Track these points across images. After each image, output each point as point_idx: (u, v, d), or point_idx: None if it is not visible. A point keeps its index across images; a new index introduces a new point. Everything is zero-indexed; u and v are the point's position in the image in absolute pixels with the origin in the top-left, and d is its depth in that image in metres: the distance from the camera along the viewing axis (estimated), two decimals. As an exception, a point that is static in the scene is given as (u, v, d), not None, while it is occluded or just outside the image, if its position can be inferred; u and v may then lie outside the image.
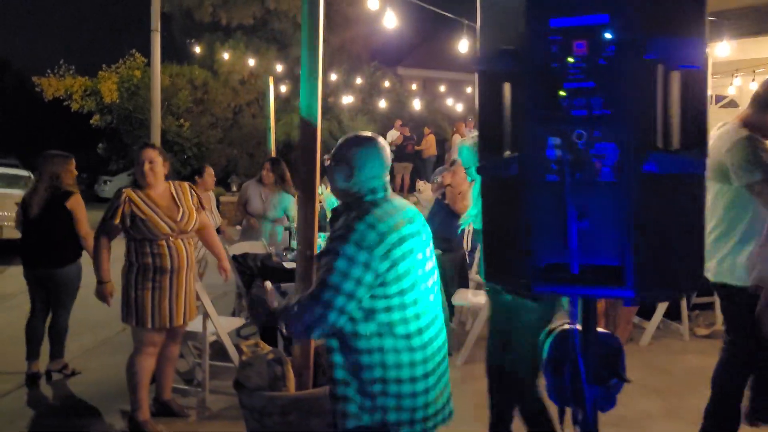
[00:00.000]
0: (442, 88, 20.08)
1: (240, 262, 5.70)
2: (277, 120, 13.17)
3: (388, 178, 2.32)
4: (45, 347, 5.18)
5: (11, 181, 12.77)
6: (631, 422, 4.13)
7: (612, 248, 1.46)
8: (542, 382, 2.18)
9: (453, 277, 6.14)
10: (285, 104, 17.60)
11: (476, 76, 1.66)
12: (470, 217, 3.58)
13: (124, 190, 4.05)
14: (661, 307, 6.05)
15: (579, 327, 1.71)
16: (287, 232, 6.38)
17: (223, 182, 18.08)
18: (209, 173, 7.10)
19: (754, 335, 3.17)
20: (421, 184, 12.47)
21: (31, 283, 5.17)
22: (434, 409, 2.22)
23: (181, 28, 20.73)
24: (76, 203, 4.99)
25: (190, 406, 4.55)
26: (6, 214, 11.46)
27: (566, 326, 1.83)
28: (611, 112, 1.42)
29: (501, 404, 3.44)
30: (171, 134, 17.39)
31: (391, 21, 6.65)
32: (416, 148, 17.26)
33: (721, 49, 7.74)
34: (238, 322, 5.34)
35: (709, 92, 1.51)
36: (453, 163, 9.06)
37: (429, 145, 17.39)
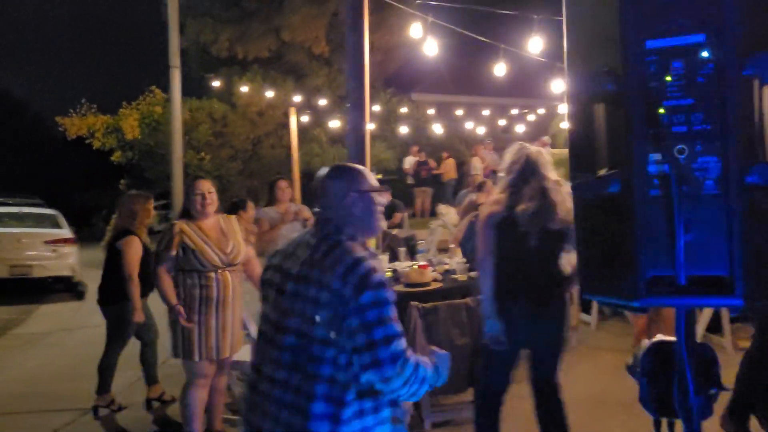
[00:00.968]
0: (459, 112, 20.18)
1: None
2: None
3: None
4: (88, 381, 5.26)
5: (39, 221, 12.97)
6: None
7: (718, 259, 1.50)
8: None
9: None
10: (304, 134, 17.79)
11: (566, 98, 1.72)
12: None
13: (176, 222, 4.13)
14: (703, 322, 6.04)
15: (674, 339, 1.75)
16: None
17: (245, 213, 18.21)
18: (251, 207, 7.09)
19: None
20: (443, 208, 12.51)
21: None
22: None
23: (198, 62, 21.09)
24: (126, 243, 4.99)
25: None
26: (35, 253, 11.66)
27: (659, 338, 1.87)
28: (711, 127, 1.48)
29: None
30: (192, 168, 17.61)
31: (431, 48, 6.73)
32: (435, 172, 17.34)
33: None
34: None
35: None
36: (482, 185, 9.14)
37: (448, 169, 17.46)
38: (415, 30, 6.37)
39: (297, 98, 16.15)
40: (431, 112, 20.61)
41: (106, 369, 5.24)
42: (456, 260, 5.81)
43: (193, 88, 20.32)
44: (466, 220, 6.59)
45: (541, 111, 18.23)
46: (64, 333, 8.76)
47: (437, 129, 18.39)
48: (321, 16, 19.63)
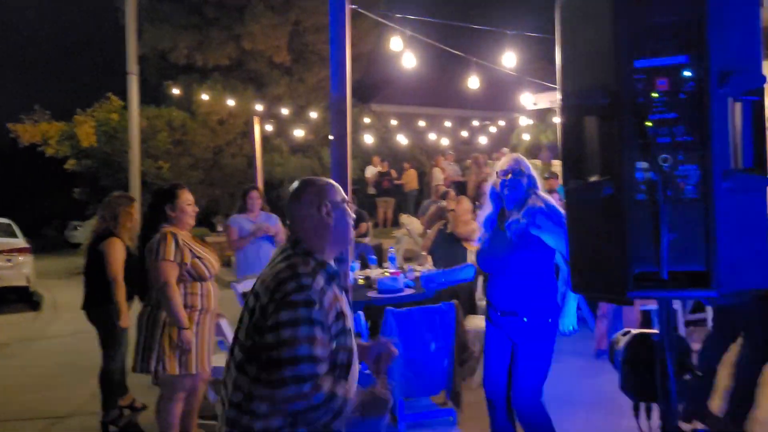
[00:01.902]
0: (421, 123, 20.47)
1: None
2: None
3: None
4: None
5: (-8, 229, 12.68)
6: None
7: (696, 256, 1.68)
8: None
9: (463, 302, 6.34)
10: (265, 143, 17.78)
11: (559, 110, 1.89)
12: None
13: (169, 230, 3.93)
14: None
15: (655, 331, 1.93)
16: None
17: (206, 222, 18.08)
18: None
19: None
20: (405, 218, 12.70)
21: None
22: None
23: (156, 70, 20.87)
24: (108, 246, 4.85)
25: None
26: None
27: (638, 330, 2.05)
28: (692, 139, 1.66)
29: None
30: (150, 176, 17.38)
31: (409, 61, 6.90)
32: (397, 182, 17.54)
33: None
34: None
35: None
36: (445, 194, 9.34)
37: (410, 179, 17.69)
38: (395, 43, 6.55)
39: (259, 107, 16.17)
40: (394, 122, 20.84)
41: (107, 381, 4.96)
42: (427, 267, 5.98)
43: (152, 95, 20.11)
44: (435, 228, 6.76)
45: (502, 123, 18.64)
46: (22, 344, 8.61)
47: (400, 139, 18.60)
48: (282, 26, 19.70)
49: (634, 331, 2.02)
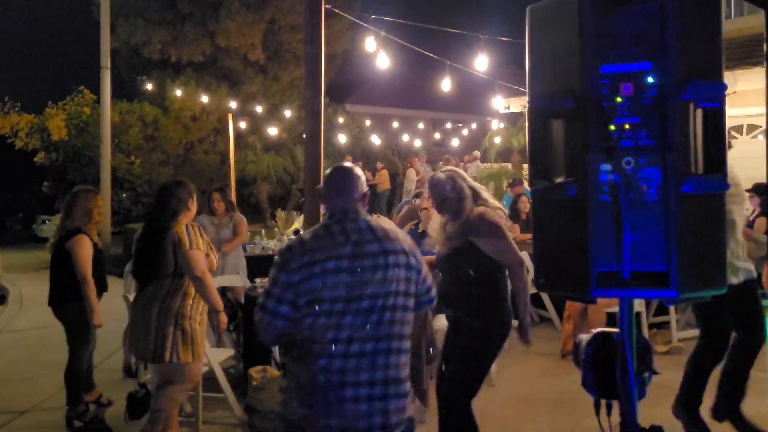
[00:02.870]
0: (394, 124, 20.54)
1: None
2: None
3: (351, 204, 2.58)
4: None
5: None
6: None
7: (656, 256, 1.74)
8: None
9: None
10: (238, 140, 17.69)
11: (527, 113, 1.93)
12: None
13: (189, 222, 4.01)
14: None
15: (616, 330, 1.99)
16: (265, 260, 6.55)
17: (175, 219, 17.86)
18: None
19: None
20: (375, 218, 12.71)
21: None
22: None
23: (129, 64, 20.65)
24: (75, 244, 4.76)
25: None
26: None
27: (600, 329, 2.10)
28: (654, 143, 1.72)
29: None
30: (121, 171, 17.20)
31: (383, 61, 6.97)
32: (370, 183, 17.57)
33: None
34: (227, 352, 5.42)
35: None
36: (419, 194, 9.39)
37: (382, 180, 17.74)
38: (370, 44, 6.57)
39: (232, 104, 16.09)
40: (367, 123, 20.87)
41: (73, 377, 4.91)
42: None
43: (124, 90, 19.88)
44: (407, 228, 6.80)
45: (474, 126, 18.79)
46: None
47: (374, 140, 18.64)
48: (257, 23, 19.60)
49: (597, 330, 2.07)
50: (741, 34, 11.37)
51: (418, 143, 19.21)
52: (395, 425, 2.49)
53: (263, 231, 10.60)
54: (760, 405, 4.48)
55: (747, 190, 6.78)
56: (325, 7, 4.11)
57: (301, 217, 10.73)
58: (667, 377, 5.69)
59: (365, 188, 2.71)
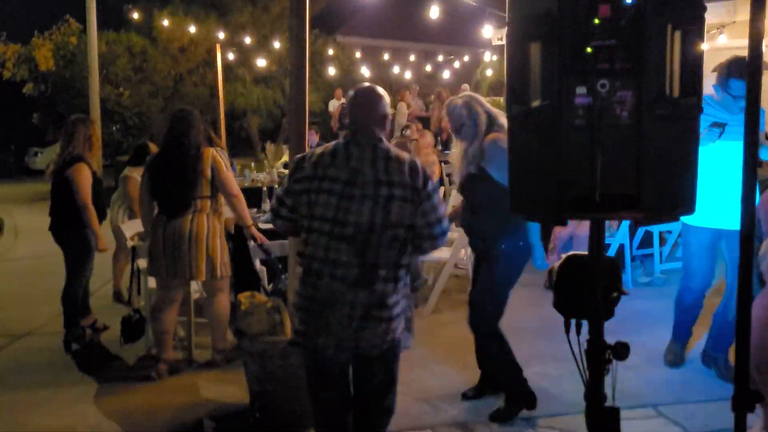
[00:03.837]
0: (385, 56, 20.19)
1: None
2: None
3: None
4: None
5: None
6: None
7: (628, 179, 1.76)
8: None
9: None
10: (227, 73, 17.39)
11: (505, 35, 1.92)
12: None
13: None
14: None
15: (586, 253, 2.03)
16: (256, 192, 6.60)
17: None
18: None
19: None
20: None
21: None
22: None
23: (115, -7, 20.09)
24: (75, 172, 4.82)
25: (179, 359, 4.75)
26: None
27: (572, 253, 2.15)
28: (630, 66, 1.72)
29: None
30: (110, 103, 16.93)
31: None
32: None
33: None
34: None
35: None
36: (407, 127, 9.37)
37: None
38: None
39: (221, 35, 15.73)
40: (358, 55, 20.51)
41: (70, 302, 5.05)
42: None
43: (111, 19, 19.36)
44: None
45: (467, 58, 18.49)
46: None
47: (364, 72, 18.36)
48: (247, -51, 19.02)
49: (568, 254, 2.11)
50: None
51: (408, 75, 18.93)
52: (376, 346, 2.61)
53: (253, 164, 10.58)
54: None
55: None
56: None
57: None
58: (650, 306, 5.91)
59: (386, 110, 2.74)
